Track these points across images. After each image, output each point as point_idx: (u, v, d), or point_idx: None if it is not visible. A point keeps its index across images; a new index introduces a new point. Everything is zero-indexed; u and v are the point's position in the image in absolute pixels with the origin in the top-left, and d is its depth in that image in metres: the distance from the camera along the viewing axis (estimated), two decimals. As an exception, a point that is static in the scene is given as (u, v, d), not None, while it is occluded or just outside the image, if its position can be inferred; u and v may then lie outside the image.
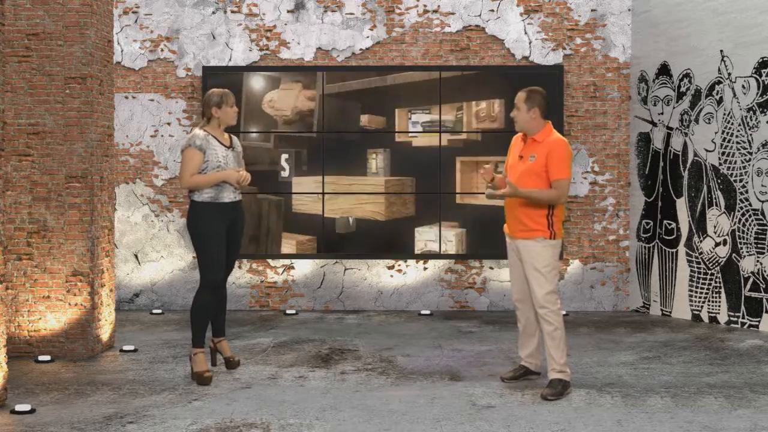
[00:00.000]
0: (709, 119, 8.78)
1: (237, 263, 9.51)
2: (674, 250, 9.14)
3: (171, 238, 9.74)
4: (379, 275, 9.69)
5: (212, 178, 6.35)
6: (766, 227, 8.25)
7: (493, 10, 9.65)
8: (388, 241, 9.54)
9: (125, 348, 7.49)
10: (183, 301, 9.67)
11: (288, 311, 9.44)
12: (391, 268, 9.69)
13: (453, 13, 9.66)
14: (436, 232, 9.51)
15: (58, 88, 7.21)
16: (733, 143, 8.54)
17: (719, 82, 8.70)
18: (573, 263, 9.69)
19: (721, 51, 8.68)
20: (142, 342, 7.87)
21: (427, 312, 9.44)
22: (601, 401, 5.89)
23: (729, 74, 8.60)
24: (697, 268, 8.90)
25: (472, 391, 6.12)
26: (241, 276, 9.68)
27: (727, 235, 8.58)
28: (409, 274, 9.69)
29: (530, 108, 6.17)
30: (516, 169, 6.24)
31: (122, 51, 9.69)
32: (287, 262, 9.69)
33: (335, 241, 9.53)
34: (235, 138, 6.70)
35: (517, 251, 6.24)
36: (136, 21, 9.70)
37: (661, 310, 9.31)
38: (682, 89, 9.07)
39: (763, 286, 8.27)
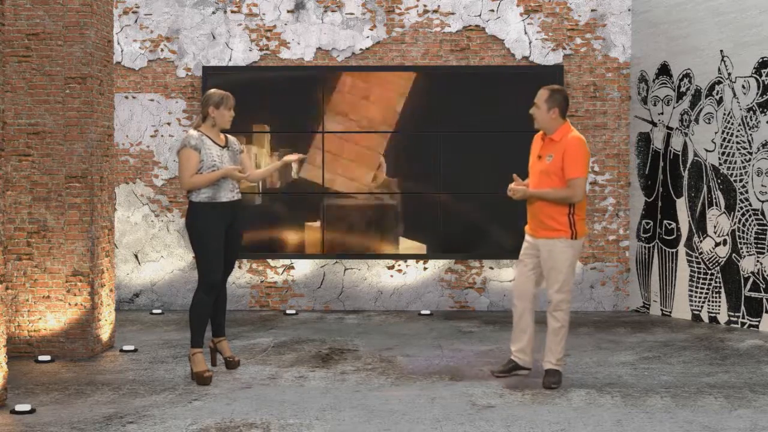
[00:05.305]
0: (709, 119, 8.78)
1: (237, 263, 9.51)
2: (674, 250, 9.14)
3: (171, 238, 9.74)
4: (379, 275, 9.69)
5: (212, 176, 6.34)
6: (766, 227, 8.25)
7: (493, 10, 9.65)
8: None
9: (125, 348, 7.49)
10: (183, 301, 9.67)
11: (288, 311, 9.44)
12: (391, 268, 9.69)
13: (453, 13, 9.66)
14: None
15: (58, 88, 7.21)
16: (733, 143, 8.54)
17: (719, 82, 8.70)
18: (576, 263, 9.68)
19: (721, 51, 8.68)
20: (142, 342, 7.87)
21: (427, 312, 9.44)
22: (601, 401, 5.89)
23: (729, 74, 8.60)
24: (697, 268, 8.90)
25: (472, 391, 6.12)
26: (241, 276, 9.68)
27: (727, 235, 8.58)
28: (409, 274, 9.69)
29: (550, 108, 6.17)
30: (535, 169, 6.26)
31: (122, 51, 9.69)
32: (287, 262, 9.69)
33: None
34: (231, 137, 6.68)
35: (537, 249, 6.25)
36: (136, 21, 9.70)
37: (661, 310, 9.31)
38: (682, 89, 9.07)
39: (763, 286, 8.27)
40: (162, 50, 9.70)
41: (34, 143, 7.21)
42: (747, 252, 8.40)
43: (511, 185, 6.29)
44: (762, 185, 8.28)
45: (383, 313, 9.49)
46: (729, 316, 8.60)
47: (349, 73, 9.51)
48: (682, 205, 9.06)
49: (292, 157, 6.80)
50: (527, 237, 6.38)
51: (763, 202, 8.28)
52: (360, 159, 9.51)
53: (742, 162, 8.44)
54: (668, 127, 9.22)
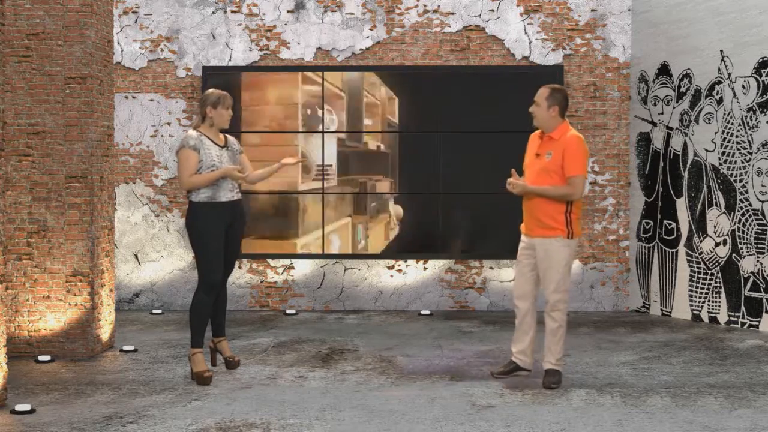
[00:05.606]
0: (709, 119, 8.78)
1: (237, 263, 9.50)
2: (674, 250, 9.14)
3: (171, 238, 9.74)
4: (379, 275, 9.69)
5: (211, 176, 6.34)
6: (766, 227, 8.25)
7: (493, 10, 9.65)
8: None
9: (125, 348, 7.49)
10: (183, 301, 9.67)
11: (288, 311, 9.44)
12: (391, 268, 9.69)
13: (453, 13, 9.66)
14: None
15: (58, 88, 7.21)
16: (733, 143, 8.54)
17: (719, 82, 8.70)
18: (573, 263, 9.69)
19: (721, 51, 8.68)
20: (142, 342, 7.87)
21: (427, 312, 9.44)
22: (601, 401, 5.89)
23: (729, 74, 8.60)
24: (697, 268, 8.90)
25: (472, 391, 6.12)
26: (241, 276, 9.68)
27: (727, 235, 8.58)
28: (409, 274, 9.69)
29: (550, 106, 6.20)
30: (533, 167, 6.26)
31: (122, 51, 9.69)
32: (287, 262, 9.69)
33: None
34: (230, 137, 6.69)
35: (533, 249, 6.25)
36: (136, 21, 9.70)
37: (661, 310, 9.31)
38: (682, 89, 9.07)
39: (763, 286, 8.27)
40: (162, 50, 9.70)
41: (34, 143, 7.21)
42: (747, 252, 8.40)
43: (511, 179, 6.29)
44: (762, 185, 8.28)
45: (383, 313, 9.49)
46: (729, 316, 8.60)
47: (250, 74, 9.47)
48: (682, 205, 9.06)
49: (291, 160, 6.80)
50: (523, 237, 6.38)
51: (763, 202, 8.28)
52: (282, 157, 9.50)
53: (742, 162, 8.44)
54: (668, 127, 9.22)
